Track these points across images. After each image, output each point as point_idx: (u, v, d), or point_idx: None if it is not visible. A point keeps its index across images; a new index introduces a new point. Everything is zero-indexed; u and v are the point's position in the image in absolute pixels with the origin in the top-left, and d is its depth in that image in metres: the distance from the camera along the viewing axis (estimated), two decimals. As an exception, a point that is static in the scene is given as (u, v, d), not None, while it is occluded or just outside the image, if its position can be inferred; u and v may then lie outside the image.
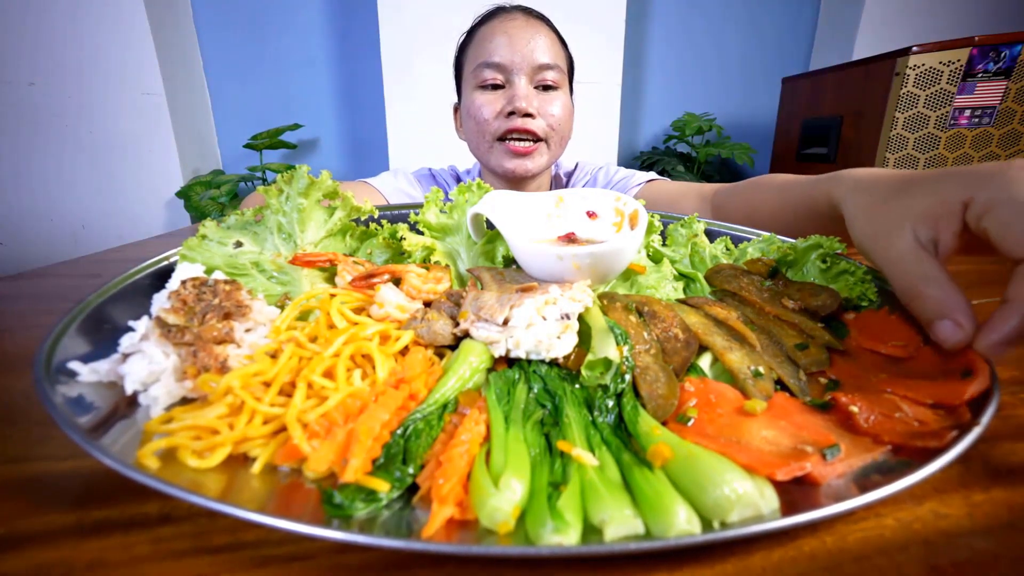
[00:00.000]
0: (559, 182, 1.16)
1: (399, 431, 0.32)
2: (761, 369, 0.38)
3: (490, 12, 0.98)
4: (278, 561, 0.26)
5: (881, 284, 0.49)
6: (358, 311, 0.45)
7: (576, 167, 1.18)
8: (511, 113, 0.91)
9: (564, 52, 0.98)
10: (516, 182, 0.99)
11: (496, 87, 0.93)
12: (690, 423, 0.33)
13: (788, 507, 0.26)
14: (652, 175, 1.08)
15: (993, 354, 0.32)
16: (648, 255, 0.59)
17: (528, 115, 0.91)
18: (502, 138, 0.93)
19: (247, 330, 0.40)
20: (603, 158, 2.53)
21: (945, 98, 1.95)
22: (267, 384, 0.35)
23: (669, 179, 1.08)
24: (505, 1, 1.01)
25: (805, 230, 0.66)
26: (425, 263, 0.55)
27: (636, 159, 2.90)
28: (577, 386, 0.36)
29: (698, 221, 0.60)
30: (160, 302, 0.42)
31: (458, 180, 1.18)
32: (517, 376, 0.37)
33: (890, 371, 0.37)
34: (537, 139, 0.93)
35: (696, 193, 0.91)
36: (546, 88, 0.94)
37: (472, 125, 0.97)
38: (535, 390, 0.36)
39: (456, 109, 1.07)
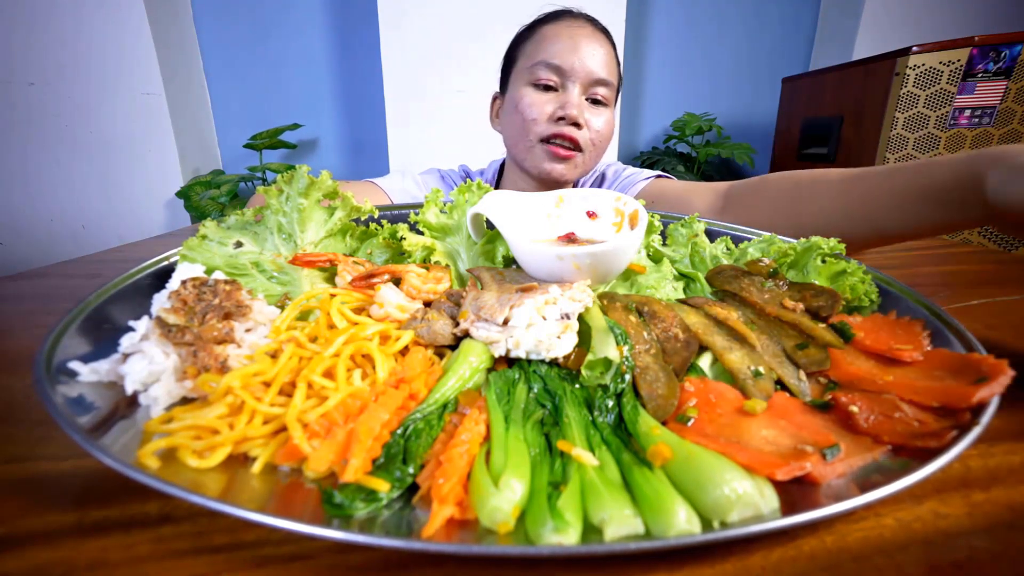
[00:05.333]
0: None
1: (399, 431, 0.32)
2: (761, 369, 0.38)
3: (557, 12, 0.98)
4: (278, 561, 0.26)
5: (881, 285, 0.49)
6: (358, 311, 0.45)
7: None
8: (560, 119, 0.91)
9: (618, 70, 0.99)
10: (547, 184, 1.00)
11: (548, 88, 0.93)
12: (690, 423, 0.33)
13: (788, 507, 0.26)
14: (658, 172, 1.08)
15: None
16: (648, 255, 0.59)
17: (576, 124, 0.91)
18: (545, 139, 0.94)
19: (247, 330, 0.40)
20: (603, 158, 2.52)
21: (945, 98, 1.95)
22: (267, 384, 0.35)
23: (675, 178, 1.08)
24: (515, 7, 1.00)
25: (888, 224, 0.63)
26: (425, 263, 0.55)
27: (636, 159, 2.90)
28: (577, 386, 0.36)
29: (698, 221, 0.60)
30: (160, 302, 0.42)
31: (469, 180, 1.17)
32: (517, 376, 0.37)
33: (896, 374, 0.37)
34: (578, 148, 0.94)
35: (709, 189, 0.91)
36: (595, 102, 0.94)
37: (517, 120, 0.96)
38: (535, 390, 0.36)
39: (495, 99, 1.07)
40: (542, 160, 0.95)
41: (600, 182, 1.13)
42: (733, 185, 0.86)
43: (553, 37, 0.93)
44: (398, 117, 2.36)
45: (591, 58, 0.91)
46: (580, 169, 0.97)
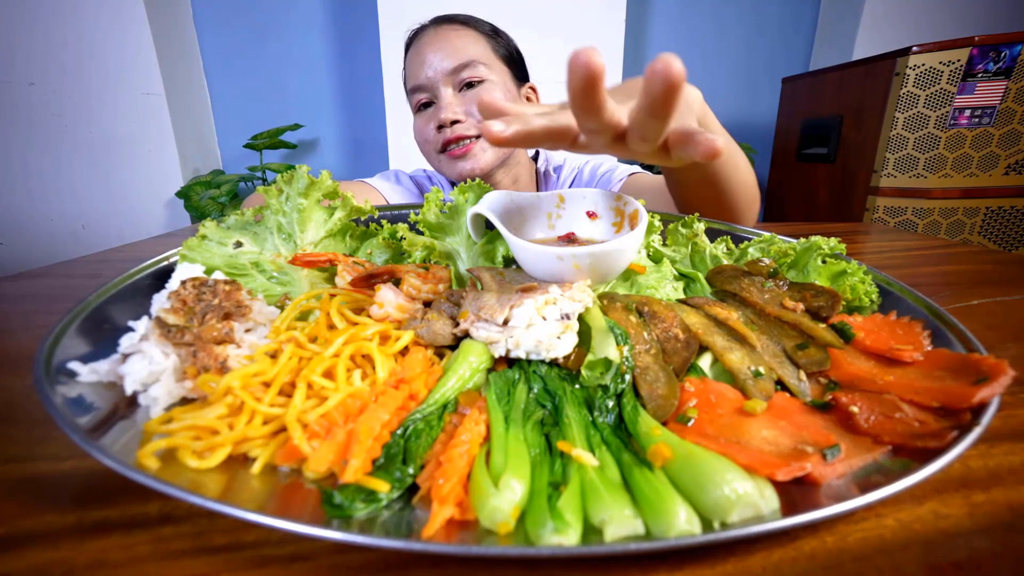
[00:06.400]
0: (548, 177, 1.16)
1: (399, 431, 0.32)
2: (761, 369, 0.38)
3: (410, 37, 1.02)
4: (278, 561, 0.26)
5: (881, 285, 0.49)
6: (358, 311, 0.45)
7: (564, 161, 1.18)
8: (441, 127, 0.94)
9: (489, 42, 0.98)
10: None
11: (428, 105, 0.97)
12: (690, 423, 0.33)
13: (788, 507, 0.26)
14: (635, 168, 1.08)
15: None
16: (648, 255, 0.59)
17: (456, 121, 0.94)
18: (443, 149, 0.97)
19: (247, 330, 0.40)
20: (603, 157, 2.52)
21: (945, 98, 1.95)
22: (267, 384, 0.35)
23: (651, 172, 1.08)
24: (500, 7, 1.02)
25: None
26: (425, 263, 0.55)
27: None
28: (577, 386, 0.36)
29: (698, 221, 0.60)
30: (160, 302, 0.42)
31: (453, 183, 1.18)
32: (517, 376, 0.37)
33: (896, 374, 0.37)
34: (473, 137, 0.95)
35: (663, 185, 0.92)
36: (471, 86, 0.95)
37: (420, 148, 1.03)
38: (535, 390, 0.36)
39: None
40: (450, 168, 0.99)
41: (577, 180, 1.14)
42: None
43: (409, 63, 0.99)
44: (398, 117, 2.36)
45: (438, 57, 0.93)
46: (491, 152, 0.98)
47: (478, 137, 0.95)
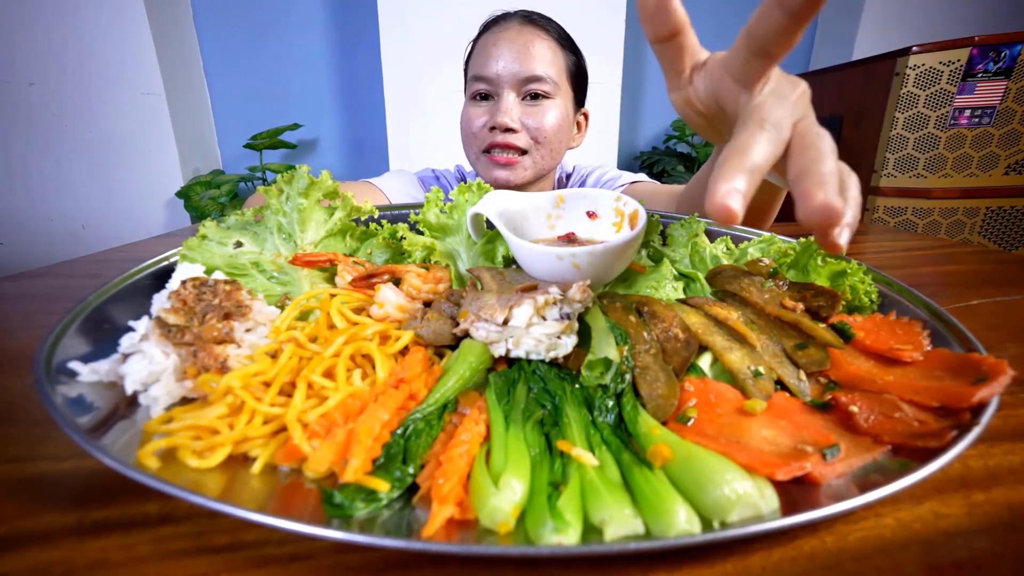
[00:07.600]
0: (560, 184, 1.17)
1: (399, 431, 0.32)
2: (761, 369, 0.38)
3: (490, 21, 0.99)
4: (278, 561, 0.26)
5: (881, 285, 0.49)
6: (358, 311, 0.45)
7: (574, 170, 1.19)
8: (493, 128, 0.93)
9: (565, 58, 0.98)
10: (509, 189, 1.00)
11: (486, 97, 0.96)
12: (690, 423, 0.33)
13: (788, 507, 0.26)
14: (638, 176, 1.09)
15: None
16: (648, 255, 0.59)
17: (510, 129, 0.92)
18: (487, 150, 0.96)
19: (247, 330, 0.40)
20: (603, 158, 2.53)
21: (945, 98, 1.95)
22: (267, 384, 0.35)
23: (657, 182, 1.08)
24: (510, 5, 1.01)
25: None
26: (425, 263, 0.55)
27: (636, 159, 2.90)
28: (577, 386, 0.36)
29: (698, 221, 0.60)
30: (160, 302, 0.42)
31: (463, 180, 1.18)
32: (517, 376, 0.37)
33: (896, 374, 0.37)
34: (521, 151, 0.94)
35: (668, 194, 0.92)
36: (536, 97, 0.94)
37: (463, 135, 1.01)
38: (535, 390, 0.36)
39: None
40: (487, 170, 0.97)
41: (583, 187, 1.14)
42: (685, 188, 0.87)
43: (482, 48, 0.95)
44: (398, 117, 2.36)
45: (515, 60, 0.91)
46: (532, 170, 0.97)
47: (524, 152, 0.94)
